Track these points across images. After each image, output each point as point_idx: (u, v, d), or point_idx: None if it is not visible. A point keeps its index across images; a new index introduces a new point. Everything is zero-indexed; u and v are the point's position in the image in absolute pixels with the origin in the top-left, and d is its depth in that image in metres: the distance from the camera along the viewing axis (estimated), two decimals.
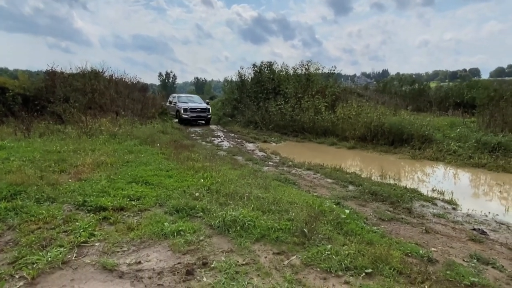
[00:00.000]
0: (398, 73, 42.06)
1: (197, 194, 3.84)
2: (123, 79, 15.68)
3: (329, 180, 5.85)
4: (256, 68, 18.04)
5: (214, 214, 3.17)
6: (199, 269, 2.30)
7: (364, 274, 2.33)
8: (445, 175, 7.03)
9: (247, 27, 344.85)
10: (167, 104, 18.33)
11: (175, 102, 17.14)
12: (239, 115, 16.97)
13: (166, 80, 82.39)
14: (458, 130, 9.81)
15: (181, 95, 19.83)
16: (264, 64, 18.01)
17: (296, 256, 2.55)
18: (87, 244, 2.60)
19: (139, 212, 3.33)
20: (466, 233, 3.61)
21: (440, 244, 3.25)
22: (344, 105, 12.35)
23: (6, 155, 5.30)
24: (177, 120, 16.28)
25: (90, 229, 2.81)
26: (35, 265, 2.23)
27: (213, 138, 11.52)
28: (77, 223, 2.92)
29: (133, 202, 3.52)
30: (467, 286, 2.33)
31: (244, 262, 2.42)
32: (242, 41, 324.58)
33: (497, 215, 4.40)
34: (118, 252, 2.51)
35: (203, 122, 16.83)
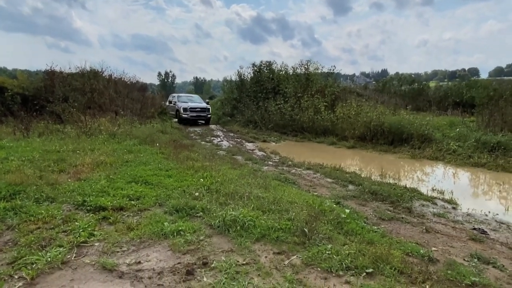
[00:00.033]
0: (397, 73, 42.16)
1: (196, 194, 3.83)
2: (122, 79, 15.65)
3: (329, 180, 5.85)
4: (255, 68, 18.04)
5: (214, 214, 3.16)
6: (199, 269, 2.29)
7: (365, 274, 2.32)
8: (444, 174, 7.03)
9: (246, 26, 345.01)
10: (167, 103, 18.30)
11: (175, 102, 17.10)
12: (238, 115, 16.96)
13: (165, 80, 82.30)
14: (458, 129, 9.83)
15: (181, 94, 19.83)
16: (264, 64, 18.01)
17: (297, 256, 2.54)
18: (86, 244, 2.59)
19: (139, 212, 3.32)
20: (466, 233, 3.60)
21: (440, 243, 3.25)
22: (344, 104, 12.34)
23: (5, 154, 5.28)
24: (176, 120, 16.25)
25: (89, 229, 2.80)
26: (34, 265, 2.21)
27: (212, 138, 11.51)
28: (76, 223, 2.90)
29: (132, 202, 3.51)
30: (468, 285, 2.33)
31: (244, 262, 2.41)
32: (241, 41, 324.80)
33: (497, 214, 4.40)
34: (117, 252, 2.50)
35: (203, 121, 16.81)
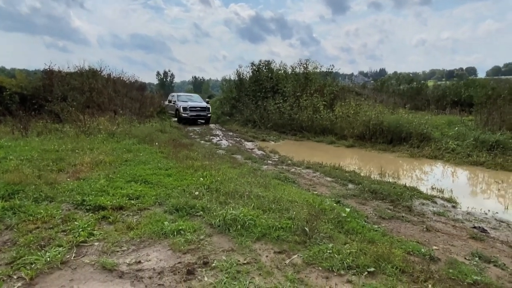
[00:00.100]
0: (395, 72, 42.31)
1: (196, 193, 3.81)
2: (121, 78, 15.61)
3: (329, 179, 5.84)
4: (254, 67, 18.02)
5: (214, 213, 3.14)
6: (200, 269, 2.27)
7: (366, 273, 2.31)
8: (443, 173, 7.04)
9: (245, 26, 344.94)
10: (166, 103, 18.25)
11: (175, 101, 17.05)
12: (237, 114, 16.95)
13: (164, 79, 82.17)
14: (456, 128, 9.85)
15: (180, 94, 19.79)
16: (262, 63, 17.99)
17: (298, 255, 2.53)
18: (86, 244, 2.57)
19: (139, 211, 3.30)
20: (466, 231, 3.60)
21: (441, 242, 3.24)
22: (343, 103, 12.35)
23: (4, 154, 5.25)
24: (176, 119, 16.21)
25: (89, 229, 2.78)
26: (33, 265, 2.19)
27: (211, 137, 11.49)
28: (76, 223, 2.88)
29: (132, 201, 3.49)
30: (470, 284, 2.33)
31: (245, 261, 2.39)
32: (240, 40, 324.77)
33: (497, 213, 4.40)
34: (117, 251, 2.48)
35: (203, 121, 16.77)
